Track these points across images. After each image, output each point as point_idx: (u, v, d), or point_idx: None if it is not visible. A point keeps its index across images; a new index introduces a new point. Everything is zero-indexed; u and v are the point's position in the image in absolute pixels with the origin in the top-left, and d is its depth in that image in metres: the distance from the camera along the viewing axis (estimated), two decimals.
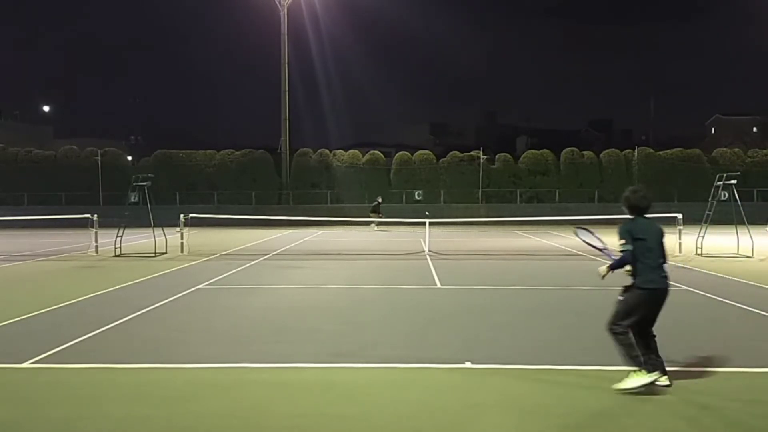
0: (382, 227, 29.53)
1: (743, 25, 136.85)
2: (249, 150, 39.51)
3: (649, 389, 5.12)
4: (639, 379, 5.07)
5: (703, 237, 16.21)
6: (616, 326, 5.17)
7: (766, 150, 39.94)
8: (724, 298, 9.57)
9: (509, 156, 39.71)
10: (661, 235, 5.24)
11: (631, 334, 5.17)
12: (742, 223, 15.49)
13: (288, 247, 19.80)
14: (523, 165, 38.81)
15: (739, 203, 15.89)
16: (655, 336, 5.32)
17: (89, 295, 10.13)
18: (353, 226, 29.93)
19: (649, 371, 5.09)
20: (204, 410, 4.81)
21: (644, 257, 5.11)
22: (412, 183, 37.45)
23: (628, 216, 5.32)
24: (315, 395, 5.16)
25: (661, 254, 5.22)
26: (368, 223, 29.37)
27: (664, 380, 5.19)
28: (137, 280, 11.88)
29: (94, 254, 16.97)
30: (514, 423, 4.52)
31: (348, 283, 11.60)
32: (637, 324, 5.19)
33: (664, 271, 5.22)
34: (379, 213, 30.05)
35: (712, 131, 67.11)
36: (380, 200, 31.64)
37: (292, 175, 38.22)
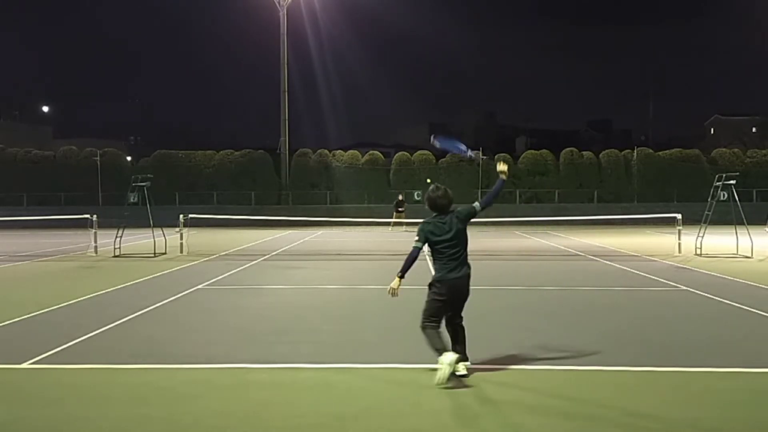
0: (402, 227, 27.62)
1: (742, 26, 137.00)
2: (248, 150, 39.49)
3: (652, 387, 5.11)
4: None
5: (702, 237, 16.22)
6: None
7: (765, 150, 39.97)
8: (724, 298, 9.58)
9: (508, 156, 39.64)
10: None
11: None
12: (742, 224, 15.49)
13: (287, 247, 19.80)
14: (523, 165, 38.81)
15: (739, 203, 15.90)
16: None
17: (89, 295, 10.13)
18: (354, 227, 29.92)
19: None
20: (204, 410, 4.81)
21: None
22: (412, 183, 37.43)
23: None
24: (315, 395, 5.16)
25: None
26: (396, 224, 28.07)
27: (461, 369, 5.48)
28: (137, 281, 11.88)
29: (94, 254, 16.96)
30: (514, 423, 4.53)
31: (347, 283, 11.60)
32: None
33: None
34: (402, 211, 29.02)
35: (712, 131, 67.14)
36: (401, 197, 30.39)
37: (291, 176, 38.22)
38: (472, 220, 5.68)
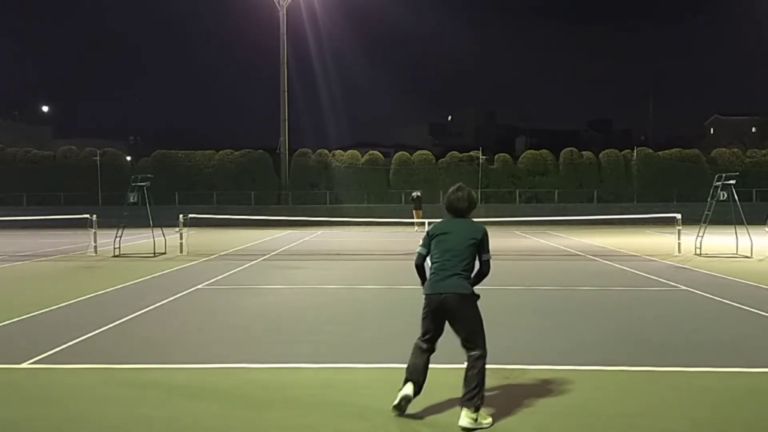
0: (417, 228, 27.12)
1: (742, 26, 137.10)
2: (248, 150, 39.49)
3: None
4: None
5: (702, 237, 16.23)
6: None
7: (764, 150, 39.98)
8: (723, 298, 9.58)
9: (508, 156, 39.73)
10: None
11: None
12: (741, 224, 15.50)
13: (287, 247, 19.80)
14: (522, 165, 38.82)
15: (738, 203, 15.90)
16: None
17: (89, 295, 10.13)
18: (354, 227, 29.91)
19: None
20: (203, 410, 4.81)
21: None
22: (411, 183, 37.41)
23: None
24: (314, 395, 5.15)
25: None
26: (412, 224, 27.58)
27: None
28: (136, 281, 11.87)
29: (93, 254, 16.95)
30: (514, 422, 4.52)
31: (347, 283, 11.59)
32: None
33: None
34: (419, 210, 29.09)
35: (711, 131, 67.21)
36: (415, 195, 30.39)
37: (291, 176, 38.20)
38: (473, 219, 5.08)
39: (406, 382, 4.62)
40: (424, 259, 4.80)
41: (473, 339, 4.54)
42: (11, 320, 8.19)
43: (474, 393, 4.38)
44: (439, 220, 5.26)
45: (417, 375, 4.61)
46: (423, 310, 4.67)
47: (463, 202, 4.71)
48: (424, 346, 4.67)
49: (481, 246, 4.62)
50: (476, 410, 4.37)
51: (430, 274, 4.63)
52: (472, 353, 4.52)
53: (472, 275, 4.64)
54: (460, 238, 4.58)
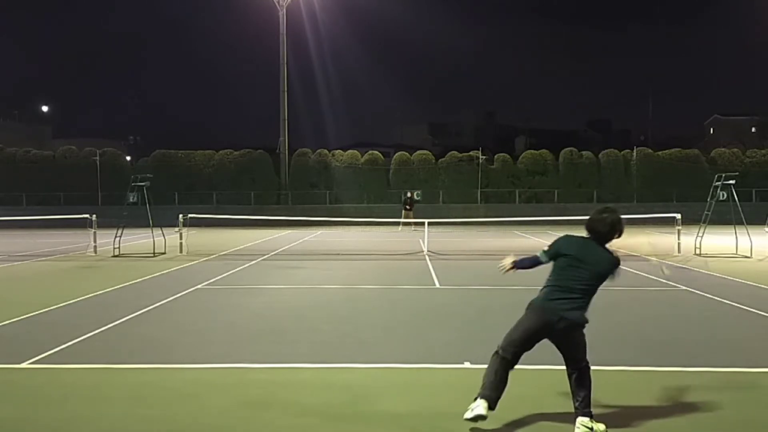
0: (414, 227, 26.66)
1: (742, 26, 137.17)
2: (248, 150, 39.47)
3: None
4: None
5: (701, 237, 16.23)
6: None
7: (764, 150, 39.96)
8: (723, 298, 9.58)
9: (508, 156, 39.72)
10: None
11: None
12: (741, 224, 15.51)
13: (287, 247, 19.79)
14: (522, 165, 38.81)
15: (738, 203, 15.91)
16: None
17: (88, 295, 10.12)
18: (354, 227, 29.89)
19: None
20: (203, 410, 4.81)
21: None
22: (411, 183, 37.40)
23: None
24: (314, 395, 5.15)
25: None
26: (405, 224, 27.76)
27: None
28: (136, 281, 11.87)
29: (93, 254, 16.95)
30: (513, 423, 4.52)
31: (347, 283, 11.59)
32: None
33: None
34: (410, 209, 29.36)
35: (711, 131, 67.23)
36: (409, 194, 30.92)
37: (290, 176, 38.19)
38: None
39: (484, 398, 4.38)
40: (538, 264, 4.78)
41: (581, 356, 4.62)
42: (11, 320, 8.19)
43: (589, 401, 4.44)
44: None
45: (492, 390, 4.45)
46: (525, 321, 4.52)
47: (605, 226, 4.37)
48: (509, 357, 4.54)
49: (610, 269, 4.45)
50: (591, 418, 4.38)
51: (551, 289, 4.48)
52: (583, 364, 4.57)
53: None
54: (594, 273, 4.42)
